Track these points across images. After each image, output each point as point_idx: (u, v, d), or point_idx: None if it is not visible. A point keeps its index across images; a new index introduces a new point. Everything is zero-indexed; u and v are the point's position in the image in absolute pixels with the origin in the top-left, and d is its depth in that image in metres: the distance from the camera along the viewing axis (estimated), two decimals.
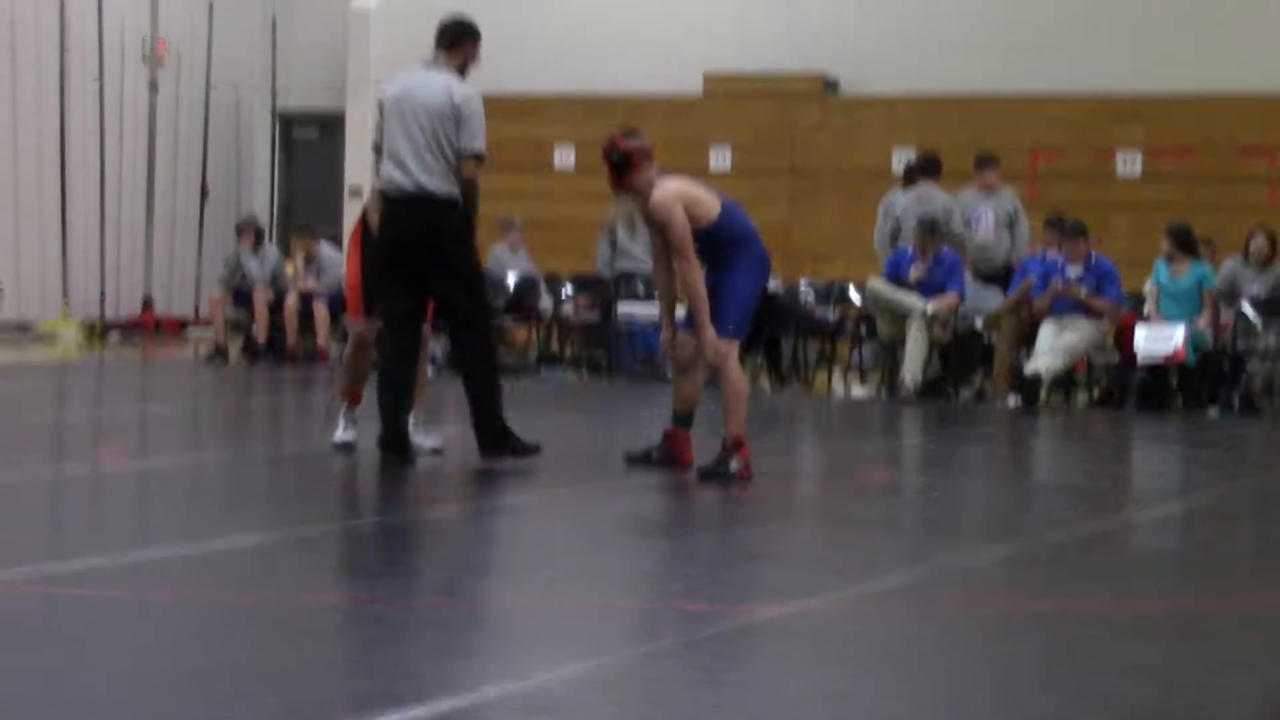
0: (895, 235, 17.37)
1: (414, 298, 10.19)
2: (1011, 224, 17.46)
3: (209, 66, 23.34)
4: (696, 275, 10.02)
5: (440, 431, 10.99)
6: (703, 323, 10.05)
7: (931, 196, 17.20)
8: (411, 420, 10.51)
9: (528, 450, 10.25)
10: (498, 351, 10.89)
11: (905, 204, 17.31)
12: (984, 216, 17.34)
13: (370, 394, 10.40)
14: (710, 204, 10.22)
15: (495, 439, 10.22)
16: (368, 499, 9.74)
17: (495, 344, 10.83)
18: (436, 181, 9.94)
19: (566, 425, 10.83)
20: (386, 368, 10.19)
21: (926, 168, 17.49)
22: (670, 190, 10.14)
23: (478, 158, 10.05)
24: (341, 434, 10.85)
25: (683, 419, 10.56)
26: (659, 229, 10.20)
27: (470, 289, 10.17)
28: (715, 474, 10.09)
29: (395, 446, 10.07)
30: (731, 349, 10.20)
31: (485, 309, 10.54)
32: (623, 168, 10.13)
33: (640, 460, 10.57)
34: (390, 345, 10.26)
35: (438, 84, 10.07)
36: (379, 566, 7.56)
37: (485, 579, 7.22)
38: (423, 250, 9.99)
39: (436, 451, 10.75)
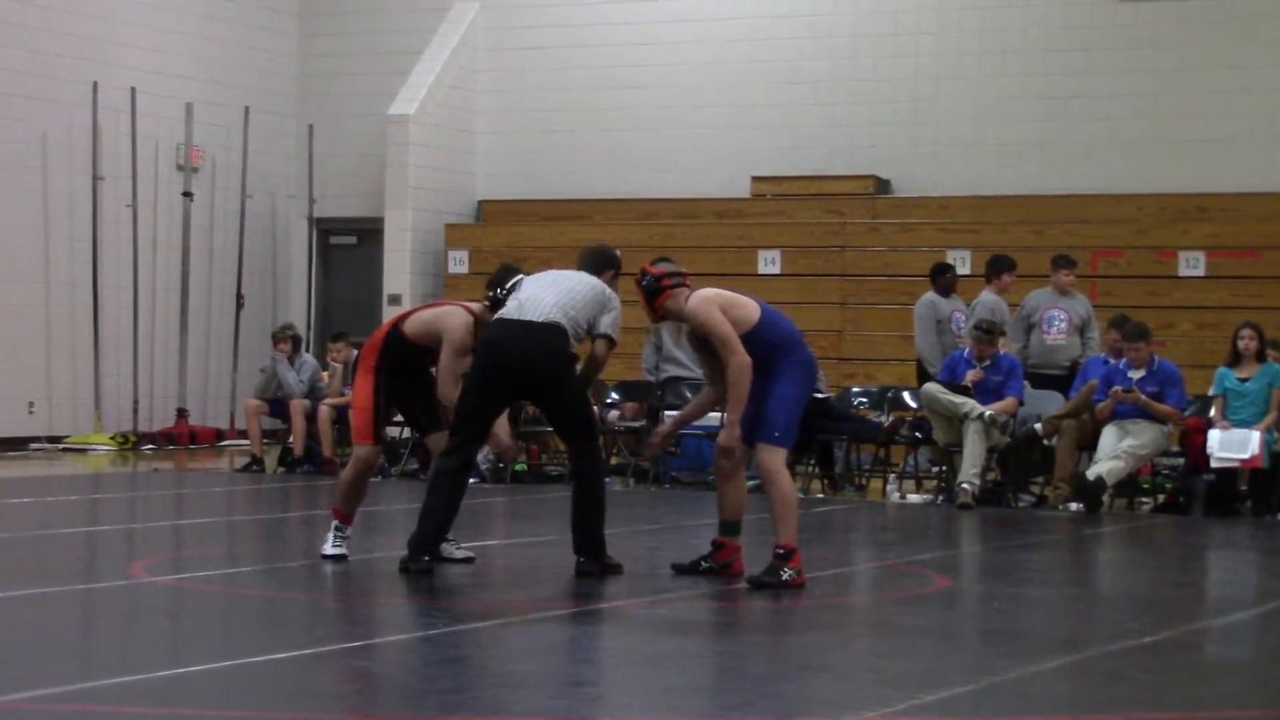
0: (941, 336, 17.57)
1: (493, 420, 10.88)
2: (1084, 328, 17.45)
3: (244, 174, 23.53)
4: (744, 370, 10.11)
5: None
6: (733, 420, 10.28)
7: (982, 299, 17.31)
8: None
9: (614, 568, 10.65)
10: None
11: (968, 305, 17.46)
12: (1057, 319, 17.39)
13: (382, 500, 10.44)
14: (749, 308, 10.36)
15: (593, 547, 10.65)
16: (406, 612, 9.72)
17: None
18: (564, 323, 10.51)
19: (613, 534, 10.82)
20: (454, 474, 10.60)
21: (993, 267, 17.58)
22: (704, 294, 10.41)
23: (611, 342, 10.69)
24: (332, 548, 11.03)
25: (731, 527, 10.60)
26: (702, 336, 10.33)
27: (586, 406, 10.93)
28: (767, 583, 10.12)
29: (428, 552, 10.52)
30: (779, 457, 10.27)
31: (595, 428, 11.31)
32: (654, 293, 10.39)
33: (689, 570, 10.61)
34: (461, 456, 10.66)
35: (592, 279, 10.82)
36: (417, 682, 7.55)
37: (529, 694, 7.19)
38: (539, 370, 10.53)
39: (469, 560, 10.97)
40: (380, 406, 11.05)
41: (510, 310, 10.62)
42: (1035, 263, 18.23)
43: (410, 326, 11.01)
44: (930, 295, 17.95)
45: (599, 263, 11.08)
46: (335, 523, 11.08)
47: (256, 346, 22.59)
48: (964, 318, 17.61)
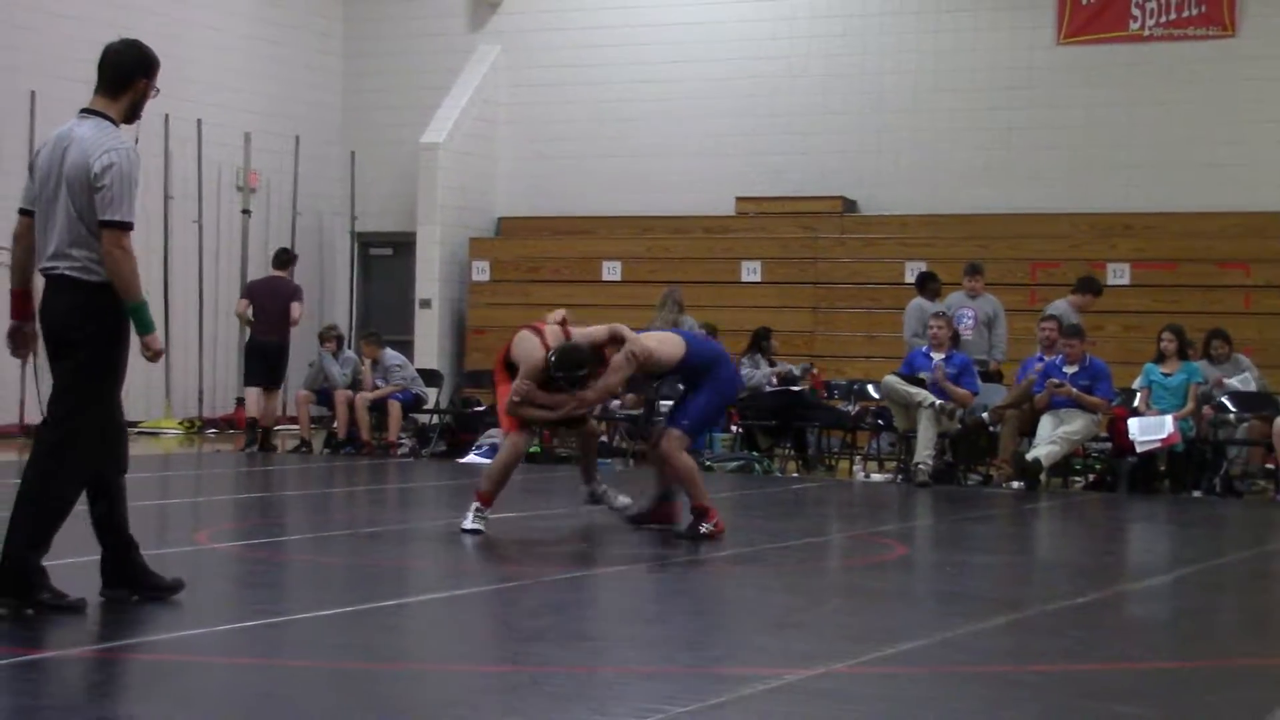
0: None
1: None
2: (990, 324, 17.55)
3: (295, 194, 23.52)
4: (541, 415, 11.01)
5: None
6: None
7: (1055, 304, 17.37)
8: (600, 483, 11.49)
9: (55, 604, 7.26)
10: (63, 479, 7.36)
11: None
12: (965, 317, 17.49)
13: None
14: (673, 352, 10.89)
15: (12, 578, 7.22)
16: (434, 576, 9.71)
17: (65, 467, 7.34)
18: (74, 264, 7.36)
19: (612, 510, 10.83)
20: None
21: (1082, 285, 17.52)
22: (619, 360, 10.78)
23: (119, 226, 7.35)
24: (471, 523, 10.77)
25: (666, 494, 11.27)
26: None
27: (75, 382, 7.37)
28: (690, 536, 10.68)
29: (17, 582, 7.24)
30: (677, 443, 10.85)
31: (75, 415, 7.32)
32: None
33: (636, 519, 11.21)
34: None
35: (81, 145, 7.38)
36: (448, 636, 7.54)
37: (542, 647, 7.18)
38: (58, 340, 7.40)
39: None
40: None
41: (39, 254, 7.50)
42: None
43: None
44: (917, 300, 17.87)
45: (120, 72, 7.52)
46: (479, 505, 10.79)
47: (305, 344, 22.56)
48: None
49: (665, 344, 10.94)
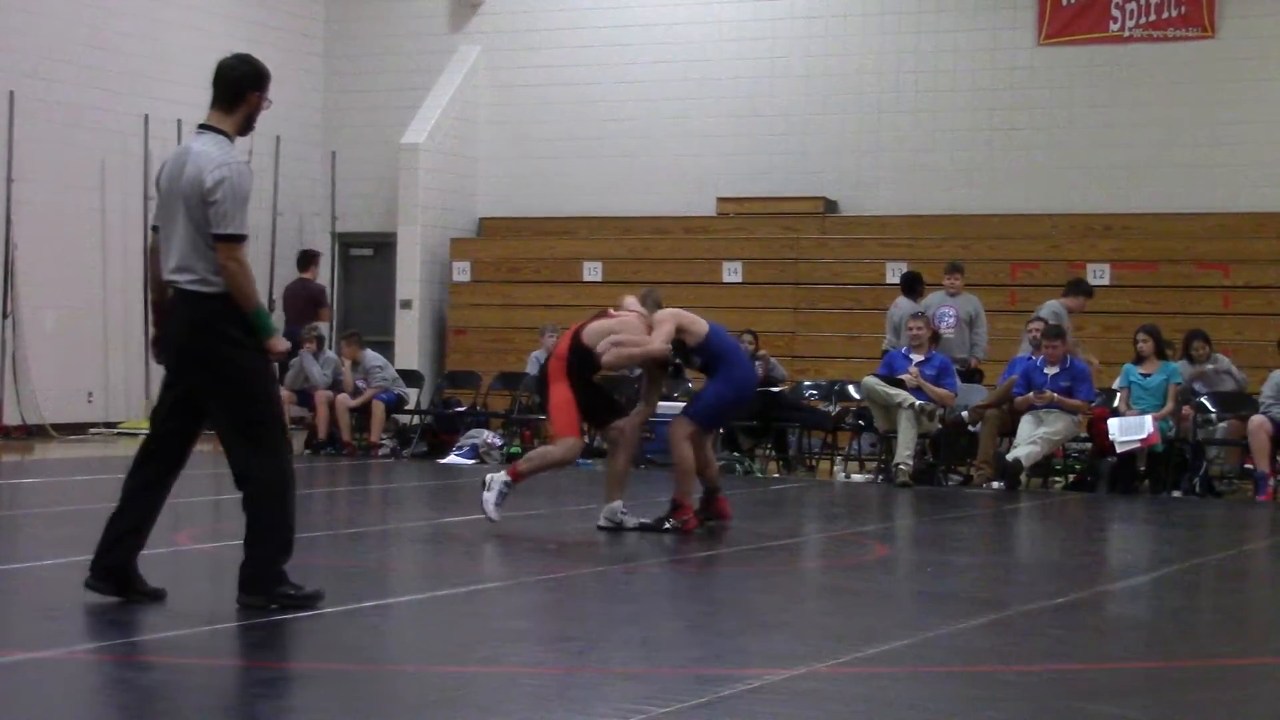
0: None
1: (175, 417, 8.22)
2: (971, 323, 17.63)
3: (276, 195, 23.47)
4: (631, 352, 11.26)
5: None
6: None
7: (1048, 304, 17.36)
8: (620, 505, 11.28)
9: (299, 601, 7.67)
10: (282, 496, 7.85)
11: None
12: (946, 315, 17.54)
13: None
14: (700, 328, 11.39)
15: (260, 585, 7.66)
16: (415, 577, 9.72)
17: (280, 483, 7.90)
18: (192, 277, 7.62)
19: (595, 511, 10.82)
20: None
21: (1073, 287, 17.58)
22: (667, 313, 11.50)
23: (232, 239, 7.54)
24: (494, 502, 11.21)
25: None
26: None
27: (242, 401, 7.86)
28: (656, 527, 11.06)
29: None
30: (684, 429, 11.21)
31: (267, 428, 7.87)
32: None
33: (653, 528, 11.21)
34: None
35: (199, 158, 7.72)
36: (429, 637, 7.54)
37: (524, 648, 7.19)
38: (180, 352, 7.81)
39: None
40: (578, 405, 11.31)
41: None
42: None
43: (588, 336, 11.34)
44: (900, 300, 17.94)
45: (234, 86, 8.01)
46: (509, 480, 11.23)
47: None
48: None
49: (695, 321, 11.44)
